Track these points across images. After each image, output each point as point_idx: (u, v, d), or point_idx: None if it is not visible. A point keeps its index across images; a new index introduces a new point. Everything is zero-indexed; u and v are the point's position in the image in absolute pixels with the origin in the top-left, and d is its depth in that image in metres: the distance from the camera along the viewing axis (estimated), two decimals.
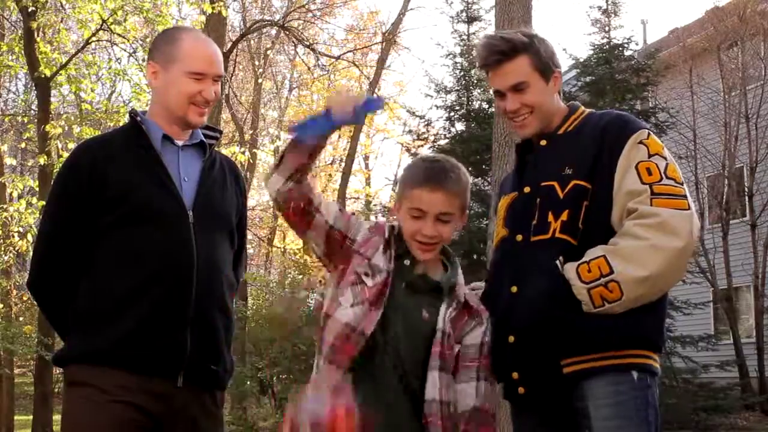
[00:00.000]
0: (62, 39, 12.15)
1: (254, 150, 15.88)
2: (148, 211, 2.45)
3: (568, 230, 2.33)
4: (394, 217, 2.43)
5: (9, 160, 15.25)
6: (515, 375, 2.37)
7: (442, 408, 2.24)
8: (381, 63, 22.66)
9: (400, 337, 2.26)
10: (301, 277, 16.93)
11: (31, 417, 12.86)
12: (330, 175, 27.52)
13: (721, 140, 15.82)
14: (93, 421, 2.36)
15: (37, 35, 11.11)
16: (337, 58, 20.32)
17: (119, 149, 2.53)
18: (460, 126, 14.36)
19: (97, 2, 10.65)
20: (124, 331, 2.38)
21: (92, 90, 12.18)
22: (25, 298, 18.14)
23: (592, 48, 13.74)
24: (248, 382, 13.45)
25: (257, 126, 24.40)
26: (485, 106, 13.98)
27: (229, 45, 16.58)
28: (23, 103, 16.78)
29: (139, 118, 2.58)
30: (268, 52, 23.02)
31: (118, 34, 11.30)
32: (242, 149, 12.10)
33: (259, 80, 23.00)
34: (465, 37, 14.69)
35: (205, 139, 2.64)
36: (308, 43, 18.67)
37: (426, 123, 15.46)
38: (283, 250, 27.34)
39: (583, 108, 2.55)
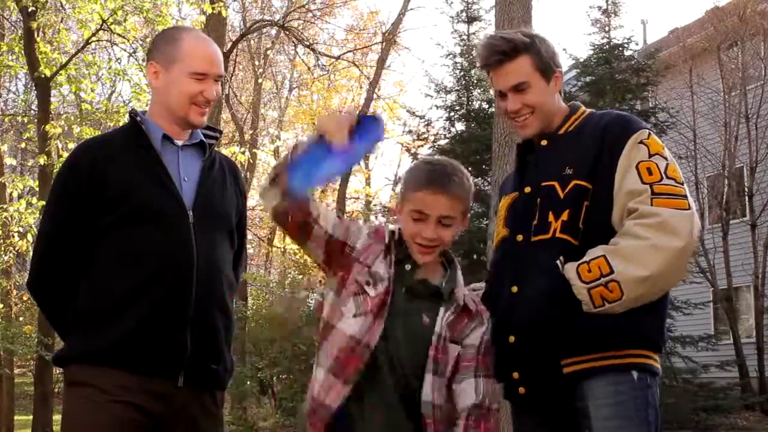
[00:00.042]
0: (62, 39, 12.15)
1: (254, 150, 15.89)
2: (148, 211, 2.45)
3: (569, 230, 2.33)
4: (395, 217, 2.42)
5: (9, 160, 15.25)
6: (516, 375, 2.37)
7: (435, 411, 2.24)
8: (381, 63, 22.65)
9: (401, 342, 2.26)
10: (301, 277, 16.95)
11: (31, 417, 12.85)
12: None
13: (721, 140, 15.81)
14: (93, 421, 2.36)
15: (37, 35, 11.11)
16: (337, 58, 20.32)
17: (119, 149, 2.53)
18: (460, 126, 14.36)
19: (97, 2, 10.65)
20: (124, 331, 2.38)
21: (92, 90, 12.19)
22: (25, 298, 18.14)
23: (592, 48, 13.74)
24: (248, 382, 13.46)
25: (257, 126, 24.41)
26: (485, 106, 13.98)
27: (229, 45, 16.58)
28: (23, 103, 16.78)
29: (138, 118, 2.58)
30: (268, 52, 23.03)
31: (118, 34, 11.30)
32: (242, 149, 12.11)
33: (259, 80, 23.00)
34: (465, 37, 14.69)
35: (204, 139, 2.64)
36: (308, 43, 18.67)
37: (426, 123, 15.47)
38: (283, 250, 27.34)
39: (583, 108, 2.55)
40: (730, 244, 14.98)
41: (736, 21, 15.78)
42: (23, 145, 15.32)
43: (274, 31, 22.20)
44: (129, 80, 11.83)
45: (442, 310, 2.30)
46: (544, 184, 2.40)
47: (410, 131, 16.47)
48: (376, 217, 19.51)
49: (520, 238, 2.41)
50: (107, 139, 2.67)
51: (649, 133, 2.38)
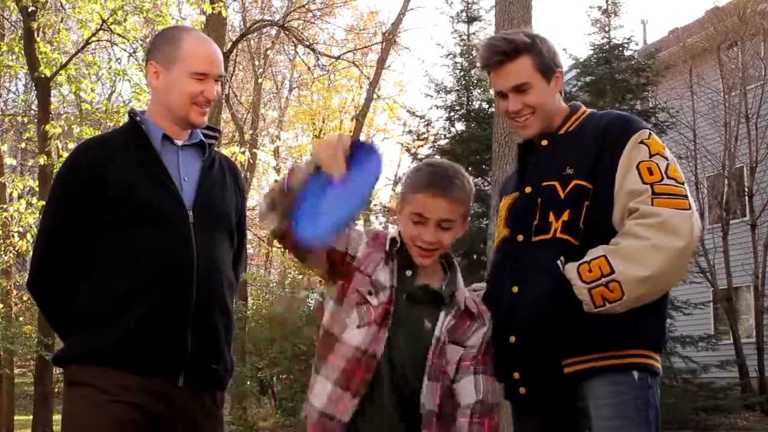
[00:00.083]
0: (62, 39, 12.15)
1: (254, 150, 15.87)
2: (148, 211, 2.45)
3: (570, 230, 2.33)
4: (395, 217, 2.42)
5: (9, 160, 15.25)
6: (516, 375, 2.37)
7: (433, 416, 2.24)
8: (381, 63, 22.64)
9: (403, 349, 2.26)
10: (301, 277, 16.95)
11: (31, 417, 12.85)
12: None
13: (721, 140, 15.81)
14: (93, 421, 2.36)
15: (37, 35, 11.11)
16: (337, 58, 20.31)
17: (119, 149, 2.53)
18: (460, 126, 14.37)
19: (97, 2, 10.65)
20: (124, 331, 2.38)
21: (92, 90, 12.18)
22: (25, 298, 18.14)
23: (592, 48, 13.75)
24: (248, 382, 13.46)
25: (257, 126, 24.40)
26: (485, 106, 13.99)
27: (229, 45, 16.57)
28: (23, 103, 16.78)
29: (138, 118, 2.58)
30: (268, 52, 23.02)
31: (118, 34, 11.30)
32: (242, 149, 12.10)
33: (259, 80, 23.00)
34: (465, 37, 14.69)
35: (204, 139, 2.64)
36: (308, 43, 18.67)
37: (426, 123, 15.47)
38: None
39: (584, 108, 2.55)
40: (730, 244, 14.98)
41: (736, 21, 15.79)
42: (23, 145, 15.32)
43: (274, 31, 22.20)
44: (129, 80, 11.83)
45: (442, 314, 2.30)
46: (544, 184, 2.40)
47: (410, 131, 16.47)
48: (376, 217, 19.51)
49: (520, 238, 2.41)
50: (107, 139, 2.67)
51: (650, 133, 2.38)
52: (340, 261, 2.30)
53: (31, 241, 10.65)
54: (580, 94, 12.83)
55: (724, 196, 15.62)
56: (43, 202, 6.99)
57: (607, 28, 13.71)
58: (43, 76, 10.88)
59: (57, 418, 9.73)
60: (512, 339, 2.34)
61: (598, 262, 2.25)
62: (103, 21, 10.85)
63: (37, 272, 2.56)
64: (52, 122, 10.78)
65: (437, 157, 13.77)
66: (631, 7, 53.88)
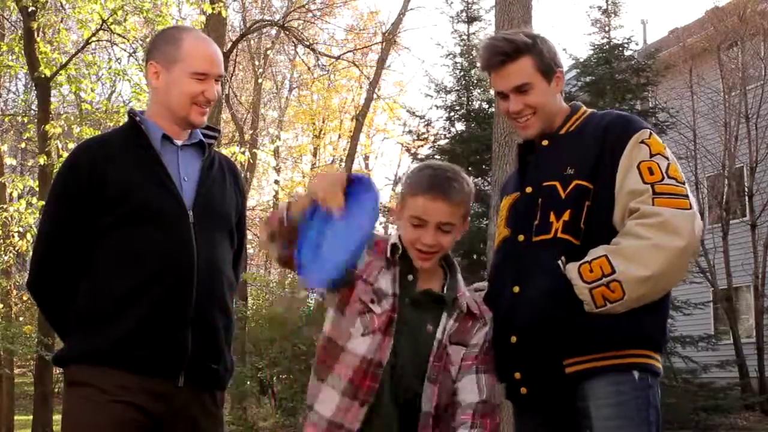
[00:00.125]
0: (62, 39, 12.14)
1: (254, 150, 15.87)
2: (148, 211, 2.45)
3: (570, 230, 2.33)
4: (394, 217, 2.42)
5: (9, 160, 15.26)
6: (517, 375, 2.37)
7: (432, 420, 2.24)
8: (381, 63, 22.64)
9: (407, 354, 2.26)
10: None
11: (31, 417, 12.85)
12: None
13: (721, 140, 15.82)
14: (93, 421, 2.36)
15: (37, 35, 11.11)
16: (337, 58, 20.31)
17: (119, 149, 2.53)
18: (460, 126, 14.38)
19: (97, 2, 10.65)
20: (124, 331, 2.38)
21: (92, 90, 12.18)
22: (25, 298, 18.14)
23: (592, 48, 13.76)
24: (248, 382, 13.45)
25: (257, 126, 24.40)
26: (485, 106, 14.00)
27: (229, 45, 16.57)
28: (23, 103, 16.78)
29: (138, 118, 2.58)
30: (268, 52, 23.02)
31: (118, 34, 11.30)
32: (242, 149, 12.10)
33: (259, 80, 23.00)
34: (465, 37, 14.70)
35: (204, 139, 2.64)
36: (308, 43, 18.67)
37: (426, 123, 15.49)
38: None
39: (584, 108, 2.55)
40: (730, 244, 14.99)
41: (736, 21, 15.79)
42: (23, 145, 15.32)
43: (274, 31, 22.20)
44: (129, 80, 11.83)
45: (444, 316, 2.30)
46: (545, 184, 2.40)
47: (410, 131, 16.49)
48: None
49: (521, 238, 2.41)
50: (106, 139, 2.67)
51: (651, 133, 2.38)
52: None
53: (31, 241, 10.65)
54: (580, 94, 12.84)
55: (724, 196, 15.63)
56: (43, 202, 6.99)
57: (607, 28, 13.72)
58: (43, 76, 10.88)
59: (57, 418, 9.72)
60: (513, 339, 2.34)
61: (599, 262, 2.25)
62: (103, 21, 10.85)
63: (37, 272, 2.56)
64: (52, 122, 10.78)
65: (437, 157, 13.78)
66: (631, 7, 53.91)
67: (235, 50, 17.50)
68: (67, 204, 2.49)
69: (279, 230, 2.21)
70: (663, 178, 2.29)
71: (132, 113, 2.62)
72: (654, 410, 2.30)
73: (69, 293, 2.48)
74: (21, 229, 11.40)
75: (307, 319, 12.95)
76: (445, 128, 14.66)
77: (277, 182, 24.98)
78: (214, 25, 13.41)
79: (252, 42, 22.76)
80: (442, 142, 14.66)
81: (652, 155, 2.33)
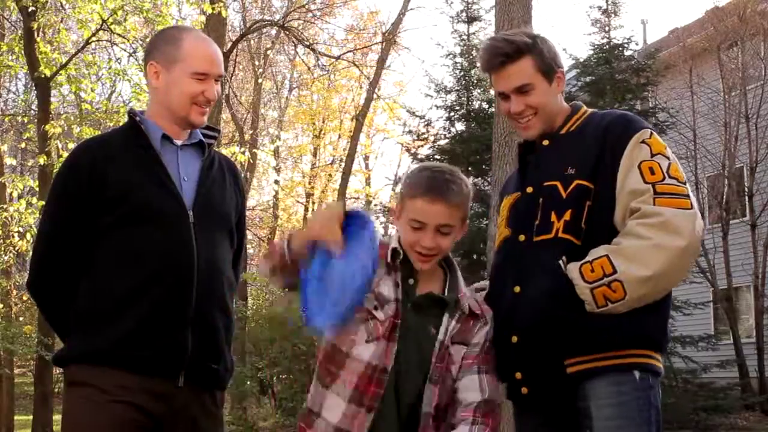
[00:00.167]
0: (62, 39, 12.14)
1: (254, 150, 15.88)
2: (148, 211, 2.45)
3: (571, 230, 2.33)
4: (393, 218, 2.42)
5: (9, 160, 15.26)
6: (518, 375, 2.37)
7: (425, 418, 2.25)
8: (381, 63, 22.65)
9: (411, 357, 2.26)
10: None
11: (31, 417, 12.86)
12: (330, 175, 27.53)
13: (721, 140, 15.82)
14: (93, 421, 2.36)
15: (37, 35, 11.11)
16: (337, 58, 20.32)
17: (119, 149, 2.53)
18: (460, 126, 14.39)
19: (97, 2, 10.65)
20: (124, 331, 2.38)
21: (92, 90, 12.18)
22: (25, 298, 18.15)
23: (592, 48, 13.76)
24: (248, 382, 13.45)
25: (257, 126, 24.41)
26: (485, 106, 14.00)
27: (229, 45, 16.57)
28: (23, 103, 16.78)
29: (138, 118, 2.58)
30: (268, 52, 23.03)
31: (118, 34, 11.30)
32: (242, 149, 12.10)
33: (259, 80, 23.00)
34: (465, 37, 14.71)
35: (204, 139, 2.64)
36: (308, 43, 18.67)
37: (426, 123, 15.50)
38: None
39: (585, 108, 2.55)
40: (730, 244, 14.99)
41: (736, 21, 15.79)
42: (23, 145, 15.32)
43: (274, 31, 22.21)
44: (129, 80, 11.83)
45: (446, 317, 2.30)
46: (546, 184, 2.40)
47: (410, 131, 16.50)
48: (377, 217, 19.49)
49: (522, 238, 2.41)
50: (106, 139, 2.66)
51: (651, 133, 2.37)
52: None
53: (31, 241, 10.65)
54: (580, 94, 12.84)
55: (724, 196, 15.63)
56: (43, 202, 7.00)
57: (607, 28, 13.73)
58: (43, 76, 10.88)
59: (57, 418, 9.72)
60: (514, 339, 2.34)
61: (601, 262, 2.24)
62: (103, 21, 10.85)
63: (36, 272, 2.56)
64: (52, 122, 10.78)
65: (437, 157, 13.78)
66: (631, 7, 53.91)
67: (235, 50, 17.50)
68: (67, 204, 2.49)
69: (280, 265, 2.24)
70: (664, 178, 2.29)
71: (132, 113, 2.61)
72: (655, 410, 2.30)
73: (69, 293, 2.48)
74: (21, 229, 11.40)
75: None
76: (445, 128, 14.68)
77: (277, 182, 25.00)
78: (214, 25, 13.41)
79: (252, 42, 22.77)
80: (442, 142, 14.67)
81: (653, 155, 2.33)
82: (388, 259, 2.31)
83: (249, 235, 23.61)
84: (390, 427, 2.23)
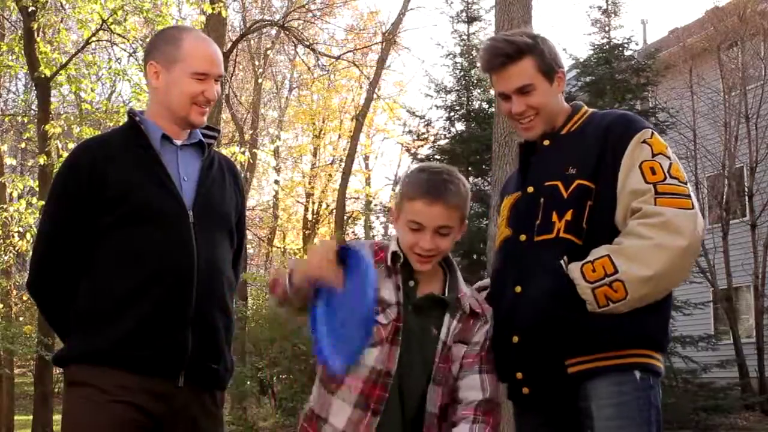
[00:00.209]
0: (62, 39, 12.14)
1: (254, 150, 15.88)
2: (148, 211, 2.45)
3: (573, 230, 2.32)
4: (391, 219, 2.42)
5: (9, 160, 15.27)
6: (519, 375, 2.37)
7: (436, 420, 2.26)
8: (381, 63, 22.65)
9: (414, 359, 2.26)
10: None
11: (31, 417, 12.86)
12: (330, 175, 27.53)
13: (721, 140, 15.82)
14: (93, 421, 2.36)
15: (37, 35, 11.11)
16: (337, 58, 20.32)
17: (118, 149, 2.53)
18: (460, 126, 14.39)
19: (97, 2, 10.65)
20: (124, 331, 2.38)
21: (92, 90, 12.18)
22: (25, 298, 18.15)
23: (592, 48, 13.77)
24: (248, 382, 13.45)
25: (257, 126, 24.42)
26: (485, 106, 14.01)
27: (229, 45, 16.58)
28: (23, 103, 16.79)
29: (137, 118, 2.58)
30: (268, 52, 23.04)
31: (118, 34, 11.30)
32: (242, 149, 12.10)
33: (259, 80, 23.02)
34: (465, 37, 14.72)
35: (203, 139, 2.64)
36: (308, 43, 18.67)
37: (426, 123, 15.51)
38: (283, 250, 27.36)
39: (586, 108, 2.54)
40: (730, 244, 14.99)
41: (736, 21, 15.79)
42: (23, 145, 15.32)
43: (274, 31, 22.21)
44: (129, 80, 11.84)
45: (447, 317, 2.30)
46: (547, 183, 2.40)
47: (410, 131, 16.52)
48: (377, 217, 19.49)
49: (523, 237, 2.41)
50: (106, 139, 2.66)
51: (652, 133, 2.37)
52: None
53: (31, 241, 10.65)
54: (580, 94, 12.84)
55: (724, 196, 15.63)
56: (43, 202, 7.00)
57: (607, 28, 13.73)
58: (43, 76, 10.88)
59: (57, 418, 9.73)
60: (515, 339, 2.33)
61: (602, 262, 2.24)
62: (103, 21, 10.85)
63: (36, 272, 2.55)
64: (52, 122, 10.78)
65: (437, 157, 13.78)
66: (631, 7, 53.92)
67: (235, 50, 17.50)
68: (67, 204, 2.49)
69: (285, 300, 2.26)
70: (665, 178, 2.29)
71: (131, 113, 2.61)
72: (655, 410, 2.30)
73: (69, 293, 2.48)
74: (21, 229, 11.40)
75: None
76: (445, 128, 14.68)
77: (277, 182, 25.02)
78: (214, 25, 13.41)
79: (252, 42, 22.78)
80: (442, 142, 14.68)
81: (654, 155, 2.32)
82: (388, 263, 2.30)
83: (249, 235, 23.61)
84: (394, 429, 2.23)
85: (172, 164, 2.53)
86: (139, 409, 2.37)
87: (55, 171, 7.60)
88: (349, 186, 24.68)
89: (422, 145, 15.63)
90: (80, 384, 2.41)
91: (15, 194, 12.56)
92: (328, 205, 27.23)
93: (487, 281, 2.62)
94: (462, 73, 14.33)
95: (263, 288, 18.54)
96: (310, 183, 27.65)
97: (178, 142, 2.58)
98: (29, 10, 10.66)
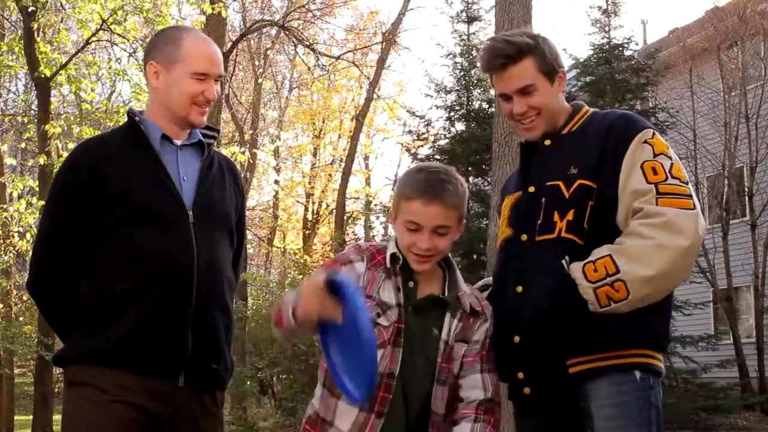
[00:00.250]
0: (62, 39, 12.15)
1: (254, 150, 15.88)
2: (148, 210, 2.45)
3: (574, 230, 2.32)
4: (390, 219, 2.41)
5: (9, 160, 15.27)
6: (521, 375, 2.36)
7: (433, 418, 2.26)
8: (381, 63, 22.67)
9: (415, 360, 2.26)
10: (301, 277, 16.96)
11: (31, 417, 12.86)
12: (330, 175, 27.53)
13: (721, 140, 15.82)
14: (93, 421, 2.36)
15: (37, 35, 11.12)
16: (337, 58, 20.33)
17: (118, 149, 2.53)
18: (460, 126, 14.40)
19: (97, 2, 10.65)
20: (124, 331, 2.38)
21: (92, 90, 12.19)
22: (25, 298, 18.15)
23: (592, 48, 13.77)
24: (248, 382, 13.45)
25: (257, 126, 24.42)
26: (485, 106, 14.01)
27: (229, 45, 16.58)
28: (23, 103, 16.79)
29: (137, 118, 2.58)
30: (268, 52, 23.04)
31: (118, 34, 11.30)
32: (242, 149, 12.10)
33: (259, 80, 23.02)
34: (465, 37, 14.72)
35: (203, 139, 2.64)
36: (308, 43, 18.67)
37: (426, 123, 15.51)
38: (283, 250, 27.36)
39: (586, 107, 2.54)
40: (730, 244, 14.99)
41: (736, 21, 15.79)
42: (23, 145, 15.32)
43: (274, 31, 22.21)
44: (129, 80, 11.84)
45: (447, 317, 2.30)
46: (548, 183, 2.39)
47: (410, 131, 16.52)
48: (377, 217, 19.48)
49: (524, 237, 2.40)
50: (106, 139, 2.66)
51: (654, 133, 2.37)
52: None
53: (31, 241, 10.65)
54: (580, 94, 12.85)
55: (724, 196, 15.63)
56: (43, 202, 7.00)
57: (607, 28, 13.73)
58: (43, 76, 10.88)
59: (57, 418, 9.73)
60: (516, 339, 2.33)
61: (604, 262, 2.24)
62: (103, 21, 10.85)
63: (36, 272, 2.55)
64: (52, 122, 10.79)
65: (437, 157, 13.78)
66: (631, 7, 53.91)
67: (235, 50, 17.51)
68: (67, 204, 2.49)
69: (291, 334, 2.25)
70: (667, 178, 2.29)
71: (131, 113, 2.61)
72: (655, 410, 2.30)
73: (69, 293, 2.48)
74: (21, 229, 11.40)
75: None
76: (445, 128, 14.68)
77: (277, 182, 25.03)
78: (214, 25, 13.42)
79: (252, 42, 22.78)
80: (442, 142, 14.68)
81: (655, 155, 2.32)
82: (387, 265, 2.30)
83: (249, 235, 23.61)
84: (398, 430, 2.24)
85: (172, 164, 2.53)
86: (139, 409, 2.37)
87: (55, 171, 7.60)
88: (349, 186, 24.71)
89: (422, 145, 15.63)
90: (80, 384, 2.41)
91: (15, 194, 12.56)
92: (328, 205, 27.25)
93: (489, 279, 2.61)
94: (462, 73, 14.33)
95: (263, 288, 18.54)
96: (310, 183, 27.66)
97: (178, 142, 2.58)
98: (29, 10, 10.66)
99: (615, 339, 2.27)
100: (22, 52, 11.42)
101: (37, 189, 11.28)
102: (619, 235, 2.30)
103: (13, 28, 13.41)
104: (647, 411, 2.28)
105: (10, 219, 11.29)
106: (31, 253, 3.00)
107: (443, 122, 14.70)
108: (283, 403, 12.83)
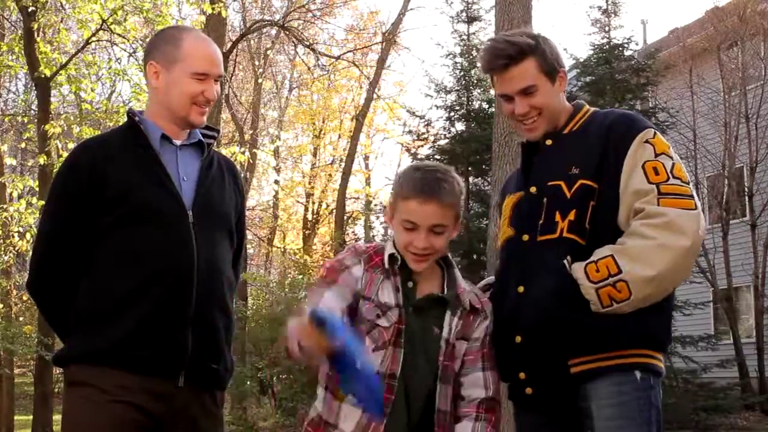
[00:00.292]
0: (62, 39, 12.15)
1: (254, 150, 15.88)
2: (148, 210, 2.45)
3: (576, 230, 2.32)
4: (386, 218, 2.41)
5: (9, 160, 15.27)
6: (522, 375, 2.36)
7: (439, 416, 2.26)
8: (381, 63, 22.67)
9: (417, 360, 2.26)
10: (301, 277, 16.96)
11: (31, 417, 12.86)
12: (330, 175, 27.54)
13: (721, 140, 15.82)
14: (93, 421, 2.36)
15: (37, 35, 11.12)
16: (337, 58, 20.33)
17: (118, 149, 2.53)
18: (460, 126, 14.40)
19: (97, 2, 10.65)
20: (124, 331, 2.38)
21: (92, 90, 12.19)
22: (25, 298, 18.15)
23: (592, 48, 13.77)
24: (248, 382, 13.46)
25: (257, 126, 24.43)
26: (485, 106, 14.01)
27: (229, 45, 16.58)
28: (23, 103, 16.79)
29: (137, 118, 2.57)
30: (268, 52, 23.03)
31: (118, 34, 11.30)
32: (242, 149, 12.10)
33: (259, 80, 23.02)
34: (465, 37, 14.72)
35: (203, 139, 2.64)
36: (308, 43, 18.67)
37: (426, 123, 15.51)
38: (283, 250, 27.36)
39: (587, 107, 2.54)
40: (730, 244, 14.99)
41: (736, 21, 15.79)
42: (23, 145, 15.32)
43: (274, 31, 22.21)
44: (129, 80, 11.84)
45: (448, 315, 2.30)
46: (550, 183, 2.39)
47: (410, 131, 16.52)
48: (377, 217, 19.49)
49: (526, 237, 2.40)
50: (106, 139, 2.66)
51: (655, 133, 2.36)
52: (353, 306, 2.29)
53: (31, 241, 10.65)
54: (581, 94, 12.84)
55: (724, 196, 15.63)
56: (43, 202, 6.99)
57: (607, 28, 13.73)
58: (43, 76, 10.88)
59: (57, 418, 9.73)
60: (518, 339, 2.33)
61: (606, 262, 2.24)
62: (103, 21, 10.85)
63: (36, 272, 2.55)
64: (52, 122, 10.79)
65: (437, 157, 13.79)
66: (631, 7, 53.87)
67: (235, 50, 17.51)
68: (67, 204, 2.49)
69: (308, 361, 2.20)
70: (668, 178, 2.28)
71: (131, 113, 2.61)
72: (655, 410, 2.30)
73: (69, 293, 2.48)
74: (21, 229, 11.40)
75: None
76: (445, 128, 14.69)
77: (277, 182, 25.04)
78: (214, 25, 13.42)
79: (252, 42, 22.78)
80: (442, 142, 14.68)
81: (656, 155, 2.32)
82: (386, 265, 2.30)
83: (249, 235, 23.61)
84: (401, 430, 2.24)
85: (172, 164, 2.53)
86: (139, 409, 2.36)
87: (55, 171, 7.60)
88: (349, 186, 24.71)
89: (422, 145, 15.63)
90: (80, 384, 2.41)
91: (15, 194, 12.56)
92: (328, 205, 27.25)
93: (491, 279, 2.61)
94: (462, 73, 14.33)
95: (263, 288, 18.55)
96: (310, 183, 27.67)
97: (178, 142, 2.58)
98: (29, 10, 10.66)
99: (617, 339, 2.27)
100: (22, 52, 11.42)
101: (37, 189, 11.28)
102: (621, 235, 2.29)
103: (13, 28, 13.41)
104: (647, 411, 2.28)
105: (10, 219, 11.29)
106: (31, 253, 3.00)
107: (443, 122, 14.72)
108: (283, 403, 12.84)
